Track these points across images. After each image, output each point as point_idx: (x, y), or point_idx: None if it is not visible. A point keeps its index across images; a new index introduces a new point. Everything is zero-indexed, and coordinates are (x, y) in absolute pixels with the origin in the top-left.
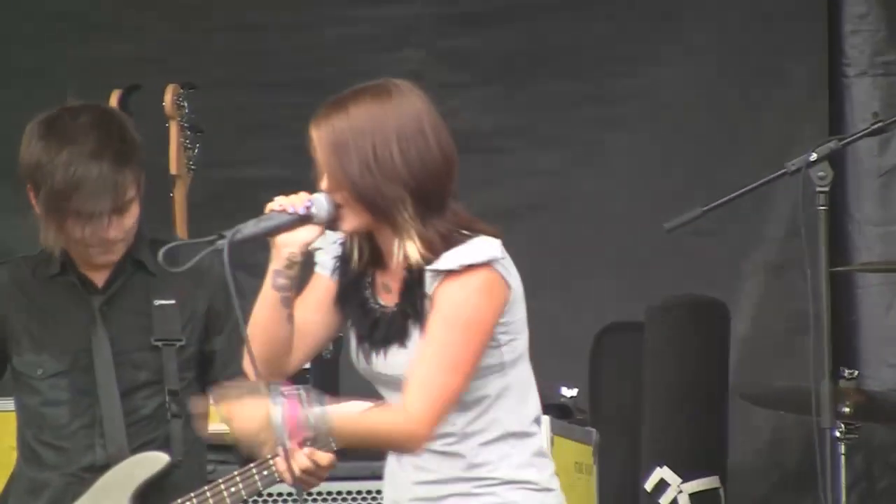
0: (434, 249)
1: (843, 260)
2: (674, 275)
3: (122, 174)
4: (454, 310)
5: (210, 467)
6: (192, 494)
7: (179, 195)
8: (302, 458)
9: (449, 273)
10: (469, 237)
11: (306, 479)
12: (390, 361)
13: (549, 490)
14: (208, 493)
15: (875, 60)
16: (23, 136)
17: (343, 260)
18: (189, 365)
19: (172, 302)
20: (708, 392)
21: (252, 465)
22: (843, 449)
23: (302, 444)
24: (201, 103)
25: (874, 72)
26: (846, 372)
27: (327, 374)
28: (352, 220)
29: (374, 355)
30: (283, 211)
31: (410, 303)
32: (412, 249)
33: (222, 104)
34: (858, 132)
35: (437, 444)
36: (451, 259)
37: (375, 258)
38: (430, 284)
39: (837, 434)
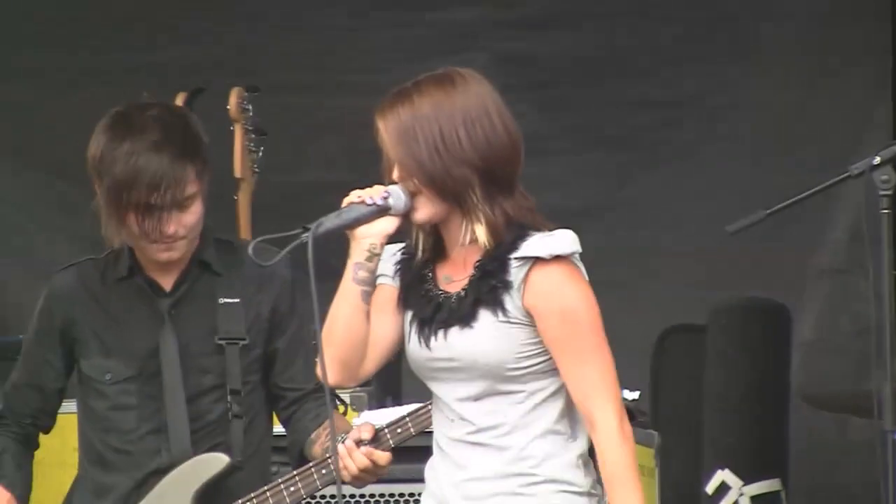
0: (498, 232)
1: None
2: (736, 277)
3: (182, 168)
4: (573, 305)
5: (273, 468)
6: (253, 495)
7: (244, 198)
8: (360, 458)
9: (538, 260)
10: (540, 229)
11: (364, 478)
12: (451, 342)
13: (591, 495)
14: (268, 493)
15: None
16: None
17: (403, 263)
18: (254, 367)
19: (237, 301)
20: (770, 394)
21: (311, 464)
22: None
23: (360, 444)
24: (263, 106)
25: None
26: None
27: (391, 378)
28: (425, 209)
29: (433, 339)
30: (362, 202)
31: (486, 289)
32: (480, 231)
33: (282, 108)
34: None
35: (485, 437)
36: (538, 246)
37: (438, 252)
38: (515, 271)
39: None
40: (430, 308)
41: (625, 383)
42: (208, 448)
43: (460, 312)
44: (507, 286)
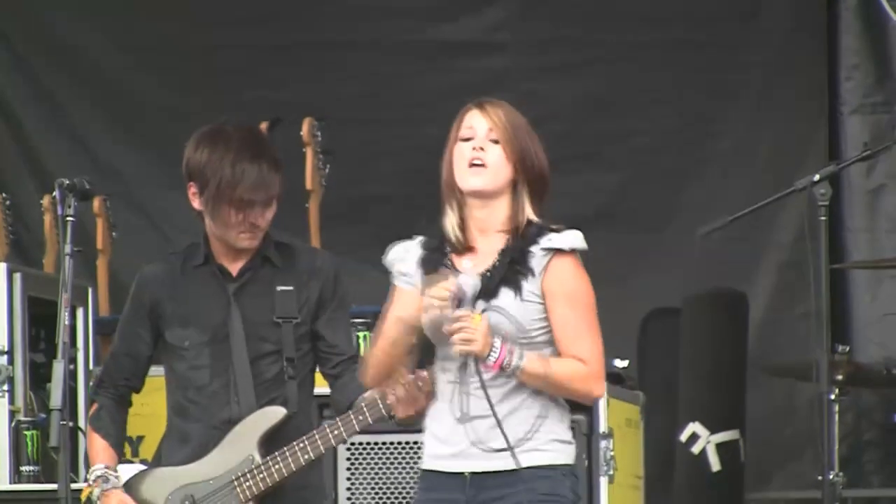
0: (516, 224)
1: (839, 259)
2: (705, 271)
3: (272, 175)
4: (580, 291)
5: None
6: (304, 437)
7: (313, 207)
8: (399, 389)
9: (559, 251)
10: (557, 229)
11: (411, 401)
12: (478, 311)
13: (571, 444)
14: (317, 436)
15: (865, 101)
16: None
17: (424, 256)
18: (304, 339)
19: (291, 288)
20: (731, 363)
21: (350, 412)
22: (836, 408)
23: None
24: (331, 134)
25: (864, 110)
26: (840, 347)
27: None
28: (487, 179)
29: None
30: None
31: (510, 273)
32: (506, 217)
33: (346, 135)
34: (851, 158)
35: (493, 393)
36: (559, 240)
37: (459, 248)
38: (539, 258)
39: (832, 397)
40: None
41: (617, 354)
42: (267, 401)
43: (486, 289)
44: (528, 273)
